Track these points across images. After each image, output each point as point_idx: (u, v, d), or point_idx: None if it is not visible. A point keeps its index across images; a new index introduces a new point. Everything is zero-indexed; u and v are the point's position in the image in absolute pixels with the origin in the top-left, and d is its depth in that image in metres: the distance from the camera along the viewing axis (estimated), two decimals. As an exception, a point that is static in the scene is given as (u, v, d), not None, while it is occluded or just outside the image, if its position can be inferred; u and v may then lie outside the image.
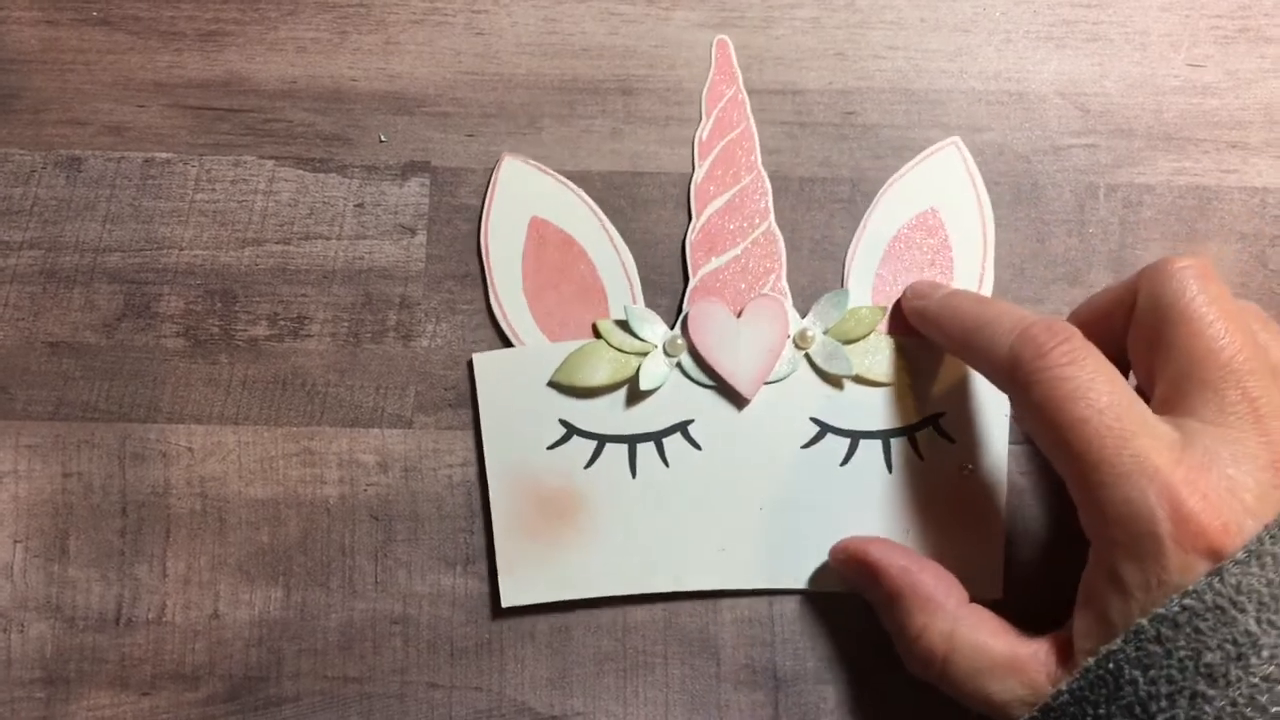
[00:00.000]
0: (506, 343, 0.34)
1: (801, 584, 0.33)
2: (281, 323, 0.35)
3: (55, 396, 0.34)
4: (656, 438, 0.33)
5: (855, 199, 0.35)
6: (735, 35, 0.36)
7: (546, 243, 0.34)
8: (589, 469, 0.33)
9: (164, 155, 0.35)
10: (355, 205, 0.35)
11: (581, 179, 0.35)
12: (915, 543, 0.33)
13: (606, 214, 0.35)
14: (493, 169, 0.35)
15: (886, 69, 0.36)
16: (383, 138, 0.35)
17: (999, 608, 0.33)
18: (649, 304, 0.34)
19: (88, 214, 0.35)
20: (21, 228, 0.35)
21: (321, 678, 0.33)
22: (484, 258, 0.34)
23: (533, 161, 0.35)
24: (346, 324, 0.35)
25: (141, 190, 0.35)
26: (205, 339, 0.34)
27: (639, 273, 0.34)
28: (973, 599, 0.33)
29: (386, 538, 0.34)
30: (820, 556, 0.33)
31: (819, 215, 0.35)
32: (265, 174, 0.35)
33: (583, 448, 0.33)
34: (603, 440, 0.33)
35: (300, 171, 0.35)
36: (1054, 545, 0.34)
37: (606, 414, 0.33)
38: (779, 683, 0.33)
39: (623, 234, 0.35)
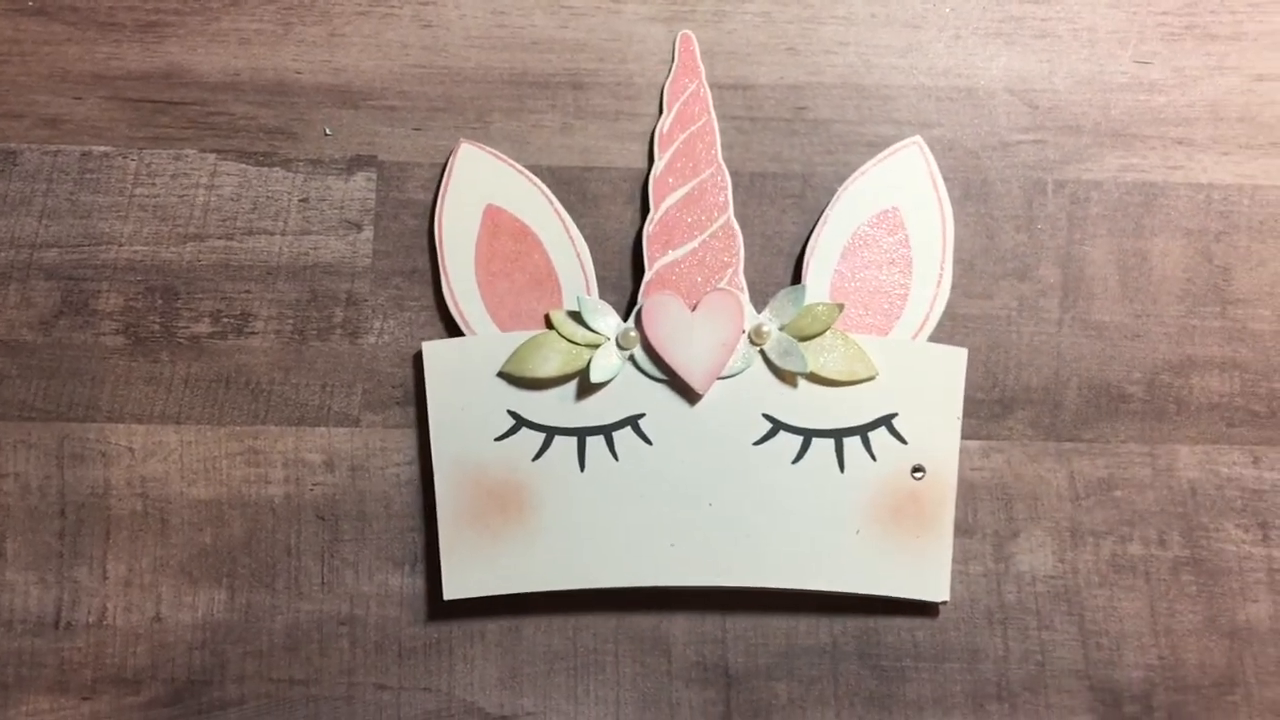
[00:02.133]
0: (457, 333, 0.34)
1: (752, 581, 0.33)
2: (224, 320, 0.34)
3: (-10, 396, 0.33)
4: (606, 431, 0.33)
5: (806, 194, 0.35)
6: (687, 29, 0.36)
7: (501, 231, 0.34)
8: (537, 461, 0.33)
9: (102, 149, 0.35)
10: (300, 200, 0.34)
11: (531, 173, 0.35)
12: (865, 541, 0.33)
13: (557, 209, 0.35)
14: (442, 163, 0.35)
15: (838, 64, 0.36)
16: (328, 131, 0.35)
17: (956, 629, 0.33)
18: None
19: (23, 209, 0.34)
20: (-46, 223, 0.34)
21: (267, 680, 0.33)
22: (437, 245, 0.34)
23: (489, 149, 0.34)
24: (292, 321, 0.34)
25: (79, 184, 0.34)
26: (146, 336, 0.34)
27: (589, 268, 0.34)
28: (919, 601, 0.33)
29: (333, 538, 0.33)
30: (771, 553, 0.33)
31: (770, 211, 0.35)
32: (207, 168, 0.34)
33: (531, 440, 0.33)
34: (551, 432, 0.33)
35: (243, 165, 0.35)
36: (1004, 546, 0.34)
37: (556, 406, 0.33)
38: (730, 680, 0.33)
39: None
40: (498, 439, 0.33)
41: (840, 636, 0.33)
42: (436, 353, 0.33)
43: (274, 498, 0.33)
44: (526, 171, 0.34)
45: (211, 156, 0.35)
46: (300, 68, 0.35)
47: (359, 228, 0.34)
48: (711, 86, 0.35)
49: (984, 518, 0.34)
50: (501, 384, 0.33)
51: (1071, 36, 0.36)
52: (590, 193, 0.35)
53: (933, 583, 0.33)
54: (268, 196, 0.34)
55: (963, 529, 0.34)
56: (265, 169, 0.35)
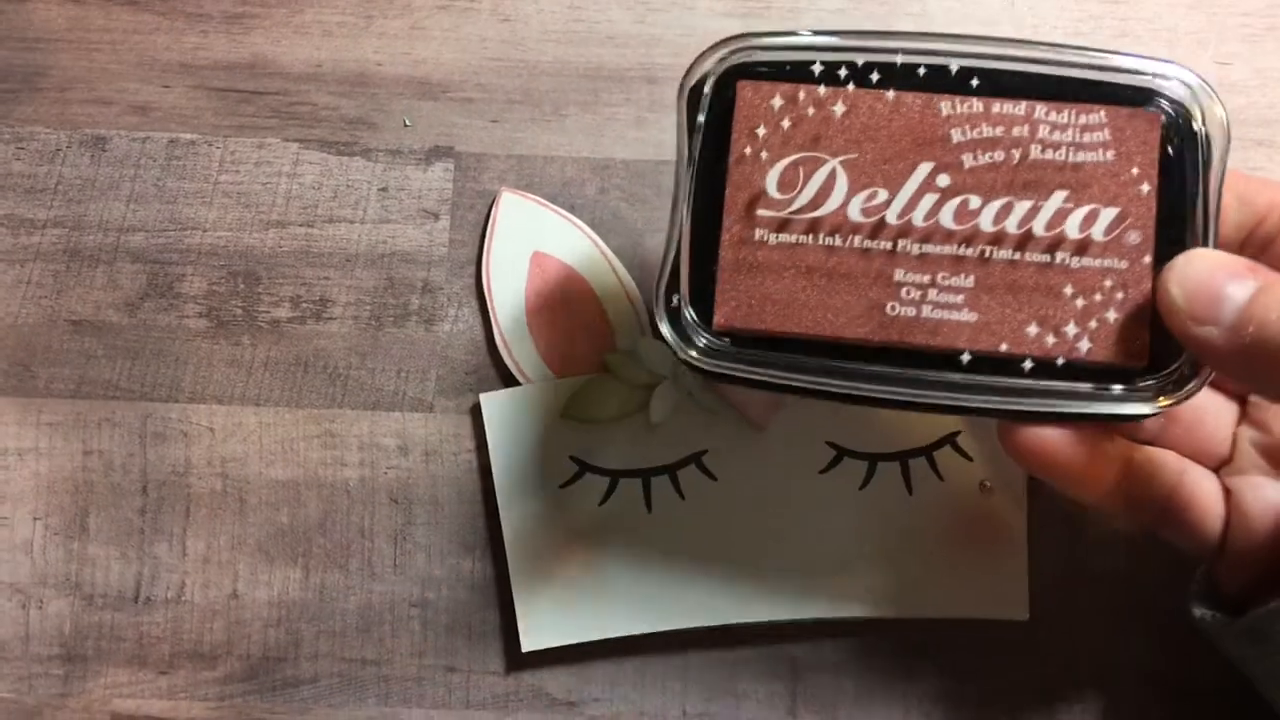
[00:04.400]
0: (512, 380, 0.34)
1: (827, 613, 0.32)
2: (304, 305, 0.35)
3: (77, 375, 0.34)
4: (671, 470, 0.33)
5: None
6: (761, 24, 0.36)
7: (549, 277, 0.34)
8: (603, 506, 0.33)
9: (189, 136, 0.35)
10: (379, 189, 0.35)
11: (604, 166, 0.35)
12: (939, 563, 0.32)
13: (630, 203, 0.35)
14: (519, 155, 0.35)
15: (912, 61, 0.36)
16: (407, 122, 0.35)
17: (1027, 633, 0.33)
18: (668, 297, 0.34)
19: (112, 193, 0.35)
20: (46, 206, 0.35)
21: (339, 659, 0.33)
22: (486, 295, 0.34)
23: (530, 196, 0.35)
24: (369, 307, 0.35)
25: (166, 171, 0.35)
26: (228, 320, 0.35)
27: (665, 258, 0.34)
28: (997, 620, 0.32)
29: (406, 521, 0.34)
30: (844, 583, 0.32)
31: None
32: (289, 156, 0.35)
33: (596, 485, 0.33)
34: (616, 476, 0.33)
35: (324, 154, 0.35)
36: (1080, 563, 0.33)
37: (619, 449, 0.33)
38: (797, 672, 0.33)
39: (646, 222, 0.35)
40: (562, 486, 0.33)
41: (909, 636, 0.33)
42: (494, 405, 0.33)
43: (349, 480, 0.34)
44: (570, 215, 0.34)
45: (294, 145, 0.35)
46: (381, 59, 0.36)
47: (436, 217, 0.35)
48: (785, 83, 0.35)
49: (1054, 522, 0.34)
50: (562, 431, 0.33)
51: (1151, 37, 0.36)
52: (664, 185, 0.35)
53: (1012, 600, 0.32)
54: (348, 185, 0.35)
55: (1034, 533, 0.33)
56: (346, 158, 0.35)
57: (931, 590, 0.32)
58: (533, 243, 0.34)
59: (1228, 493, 0.28)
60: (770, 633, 0.33)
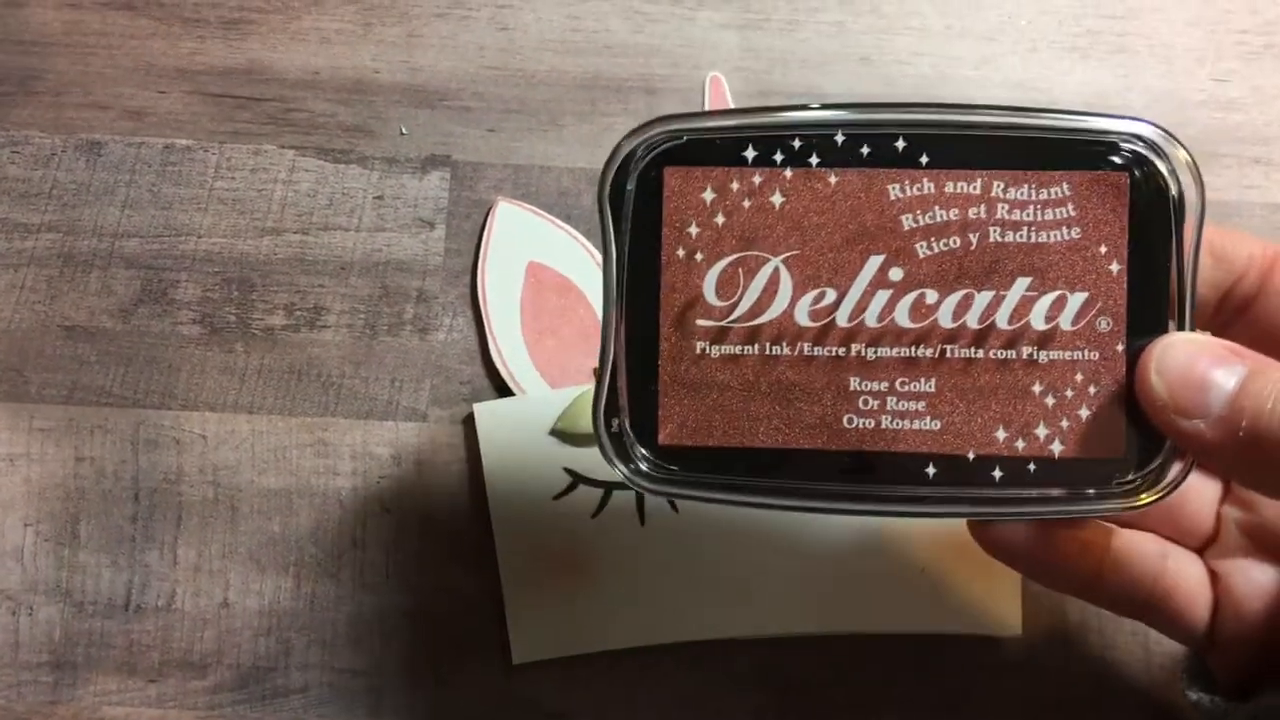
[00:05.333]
0: (506, 391, 0.34)
1: (819, 628, 0.32)
2: (298, 313, 0.34)
3: (70, 380, 0.34)
4: None
5: (876, 204, 0.35)
6: (760, 36, 0.36)
7: (544, 287, 0.34)
8: (596, 518, 0.33)
9: (184, 142, 0.35)
10: (375, 197, 0.35)
11: (570, 226, 0.35)
12: (932, 579, 0.32)
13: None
14: (515, 164, 0.35)
15: (911, 75, 0.36)
16: (404, 130, 0.35)
17: (1018, 643, 0.33)
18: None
19: (107, 199, 0.35)
20: (40, 210, 0.35)
21: (330, 669, 0.33)
22: (481, 305, 0.34)
23: (526, 205, 0.35)
24: (363, 316, 0.34)
25: (161, 176, 0.35)
26: (222, 327, 0.34)
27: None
28: (990, 635, 0.32)
29: (398, 531, 0.34)
30: (836, 597, 0.32)
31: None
32: (285, 163, 0.35)
33: (589, 496, 0.33)
34: (609, 488, 0.33)
35: (320, 162, 0.35)
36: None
37: None
38: (789, 688, 0.33)
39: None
40: (556, 498, 0.33)
41: (899, 647, 0.33)
42: (488, 414, 0.33)
43: (341, 489, 0.34)
44: (566, 225, 0.34)
45: (290, 152, 0.35)
46: (378, 67, 0.36)
47: (431, 226, 0.35)
48: (783, 94, 0.35)
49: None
50: (556, 442, 0.33)
51: (1148, 53, 0.36)
52: (660, 197, 0.35)
53: (1004, 616, 0.32)
54: (343, 193, 0.35)
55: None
56: (342, 166, 0.35)
57: (924, 605, 0.32)
58: (528, 253, 0.34)
59: (1214, 577, 0.27)
60: (762, 648, 0.33)
